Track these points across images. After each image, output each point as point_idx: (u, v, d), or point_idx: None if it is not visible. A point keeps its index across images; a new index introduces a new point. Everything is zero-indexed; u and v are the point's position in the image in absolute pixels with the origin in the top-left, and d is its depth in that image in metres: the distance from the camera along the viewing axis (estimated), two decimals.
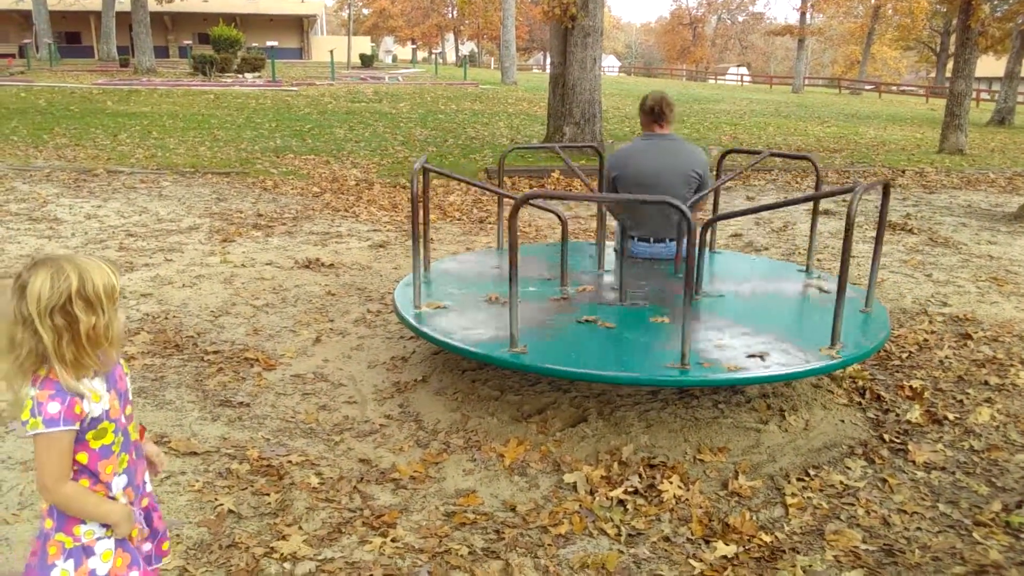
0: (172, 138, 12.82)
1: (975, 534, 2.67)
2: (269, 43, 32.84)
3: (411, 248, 4.01)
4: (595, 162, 5.84)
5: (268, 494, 2.80)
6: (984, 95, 36.02)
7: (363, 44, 52.14)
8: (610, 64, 74.08)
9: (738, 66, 71.78)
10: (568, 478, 2.96)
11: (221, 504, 2.72)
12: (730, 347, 3.27)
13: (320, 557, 2.48)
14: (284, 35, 49.97)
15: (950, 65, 16.28)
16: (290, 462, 3.05)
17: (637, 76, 63.79)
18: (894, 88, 46.74)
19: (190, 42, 40.25)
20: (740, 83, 56.30)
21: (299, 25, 51.82)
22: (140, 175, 9.44)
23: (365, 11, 66.61)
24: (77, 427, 1.55)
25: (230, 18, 40.45)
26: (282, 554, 2.47)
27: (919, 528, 2.72)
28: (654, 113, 4.34)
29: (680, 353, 3.02)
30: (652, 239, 4.41)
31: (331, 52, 33.19)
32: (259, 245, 6.38)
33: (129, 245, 6.20)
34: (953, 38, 17.33)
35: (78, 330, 1.51)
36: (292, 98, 20.85)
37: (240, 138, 13.14)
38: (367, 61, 42.99)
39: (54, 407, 1.51)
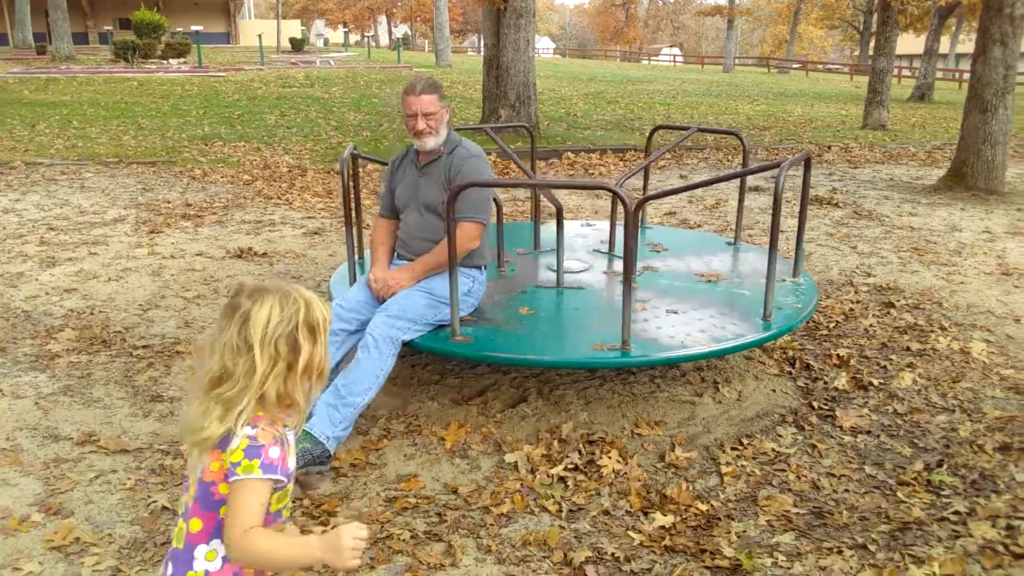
0: (94, 127, 12.35)
1: (899, 493, 2.78)
2: (194, 27, 31.79)
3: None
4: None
5: None
6: (905, 72, 37.27)
7: (293, 28, 51.08)
8: (545, 46, 74.16)
9: (670, 47, 72.66)
10: (509, 458, 2.98)
11: (155, 501, 2.66)
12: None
13: None
14: (210, 19, 48.47)
15: (873, 43, 16.76)
16: None
17: (572, 58, 63.96)
18: (820, 67, 47.96)
19: (111, 28, 38.74)
20: (673, 63, 56.99)
21: (225, 9, 50.35)
22: (60, 166, 9.07)
23: None
24: (284, 480, 1.39)
25: (152, 2, 39.07)
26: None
27: (847, 490, 2.82)
28: None
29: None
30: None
31: (259, 36, 32.41)
32: (188, 236, 6.21)
33: (50, 239, 5.96)
34: (875, 17, 17.83)
35: (296, 360, 1.40)
36: (220, 84, 20.28)
37: (166, 126, 12.74)
38: (298, 45, 42.10)
39: (275, 452, 1.37)
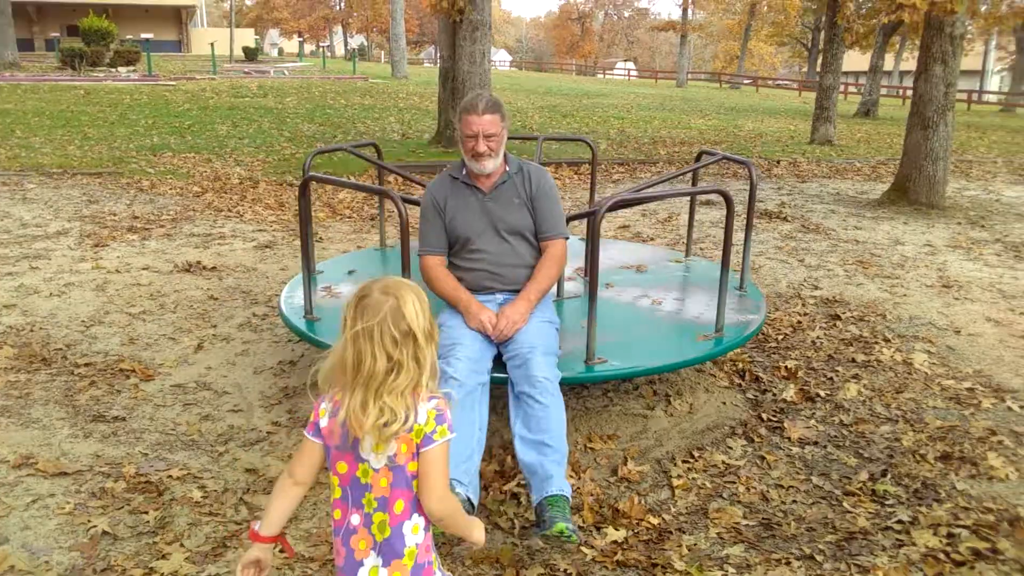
0: (38, 137, 12.02)
1: (845, 503, 2.83)
2: (144, 35, 31.19)
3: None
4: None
5: (147, 512, 2.67)
6: (852, 88, 38.30)
7: (247, 37, 50.45)
8: (501, 59, 74.50)
9: (625, 61, 73.63)
10: None
11: (95, 526, 2.58)
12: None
13: (204, 574, 2.39)
14: (161, 27, 47.63)
15: (820, 61, 17.21)
16: (171, 477, 2.92)
17: (528, 71, 64.37)
18: (770, 82, 49.05)
19: (58, 34, 37.79)
20: (627, 77, 57.75)
21: (177, 16, 49.53)
22: (1, 177, 8.80)
23: (248, 2, 64.47)
24: None
25: (101, 9, 38.21)
26: (162, 574, 2.36)
27: (795, 501, 2.87)
28: None
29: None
30: None
31: (212, 45, 31.97)
32: (135, 249, 6.07)
33: None
34: (822, 35, 18.32)
35: (435, 338, 1.58)
36: (170, 93, 19.93)
37: (113, 136, 12.46)
38: (251, 54, 41.59)
39: (451, 415, 1.56)
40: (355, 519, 1.57)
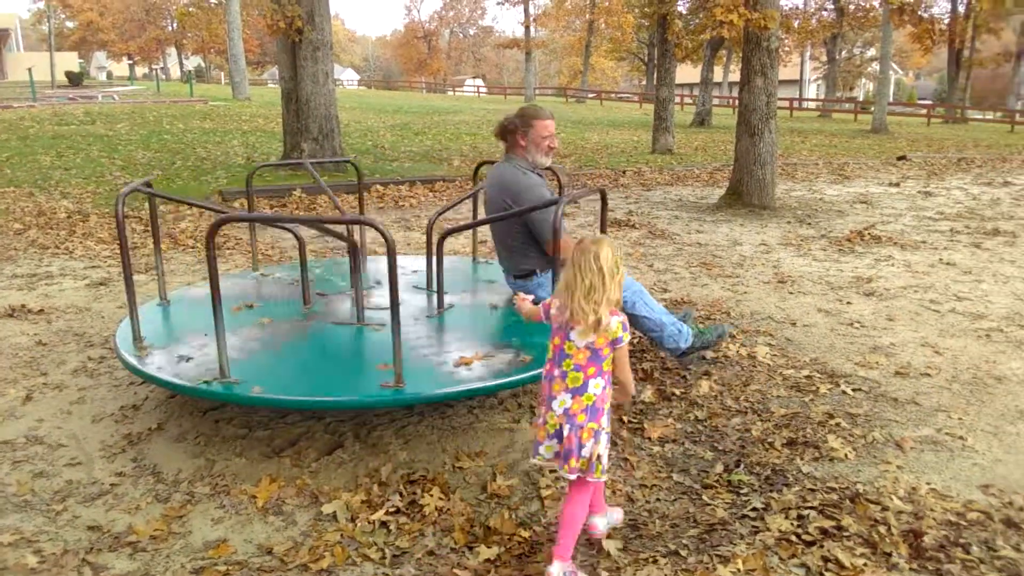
0: None
1: (704, 496, 2.96)
2: None
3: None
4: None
5: None
6: (687, 100, 40.57)
7: (70, 60, 47.07)
8: (349, 77, 73.60)
9: (474, 77, 74.57)
10: (327, 508, 2.86)
11: None
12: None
13: None
14: None
15: (656, 74, 18.11)
16: (1, 543, 2.64)
17: (378, 89, 63.88)
18: (613, 96, 51.14)
19: None
20: (477, 94, 58.50)
21: None
22: None
23: (69, 24, 60.20)
24: None
25: None
26: None
27: (658, 499, 2.96)
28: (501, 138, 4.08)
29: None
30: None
31: (30, 70, 29.61)
32: None
33: None
34: (657, 50, 19.30)
35: (618, 277, 2.37)
36: None
37: None
38: (76, 79, 38.89)
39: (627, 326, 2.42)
40: (556, 372, 2.44)
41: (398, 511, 2.85)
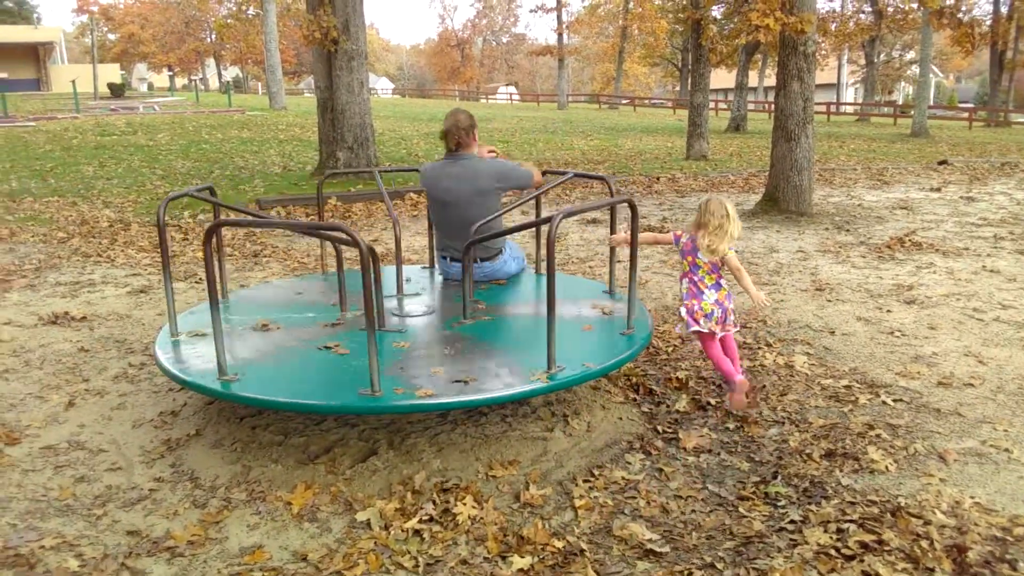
0: None
1: (740, 508, 2.91)
2: None
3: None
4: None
5: None
6: (722, 105, 40.26)
7: (112, 72, 48.20)
8: (384, 86, 74.27)
9: (507, 85, 74.82)
10: (361, 516, 2.87)
11: None
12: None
13: None
14: (17, 65, 44.94)
15: (690, 80, 18.01)
16: (43, 547, 2.69)
17: (412, 97, 64.38)
18: (647, 101, 50.94)
19: None
20: (510, 101, 58.68)
21: (34, 54, 46.84)
22: None
23: (111, 36, 61.63)
24: None
25: None
26: None
27: (693, 510, 2.92)
28: (447, 138, 4.42)
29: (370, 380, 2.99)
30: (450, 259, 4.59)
31: (73, 82, 30.39)
32: None
33: None
34: (691, 55, 19.19)
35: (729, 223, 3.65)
36: (29, 134, 18.76)
37: None
38: (117, 90, 39.79)
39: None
40: (695, 278, 3.76)
41: (431, 519, 2.85)
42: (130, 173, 12.91)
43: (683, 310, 3.78)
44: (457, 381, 3.13)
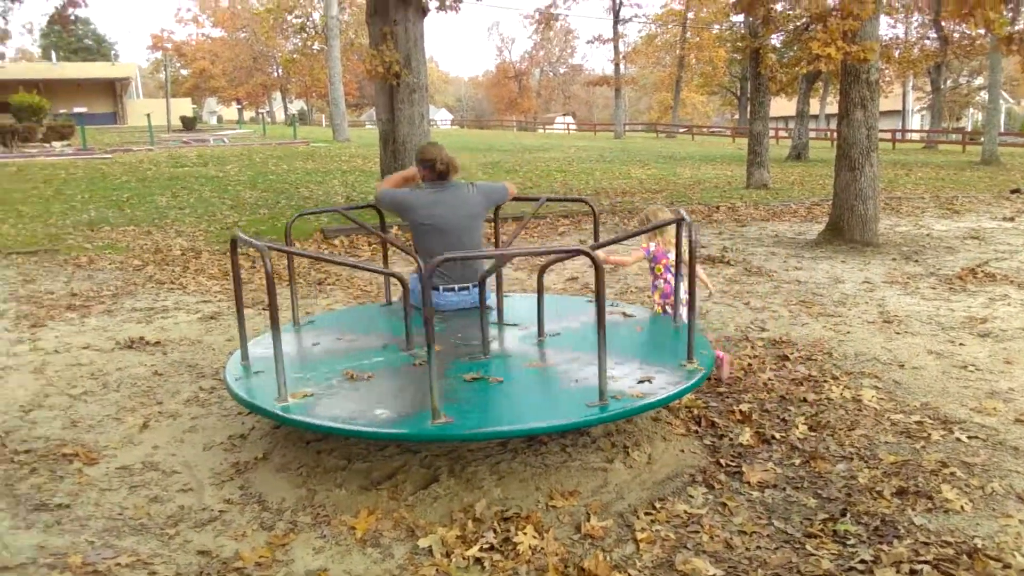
0: None
1: (807, 546, 2.85)
2: (77, 109, 30.89)
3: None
4: None
5: None
6: (783, 133, 39.77)
7: (184, 106, 50.21)
8: (442, 117, 75.53)
9: (564, 115, 75.30)
10: (423, 542, 2.90)
11: None
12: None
13: None
14: (95, 100, 47.14)
15: (749, 108, 17.87)
16: (119, 564, 2.79)
17: (470, 128, 65.30)
18: (704, 130, 50.64)
19: None
20: (567, 131, 59.00)
21: (111, 89, 49.10)
22: None
23: (184, 72, 64.29)
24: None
25: (32, 85, 37.72)
26: None
27: (758, 547, 2.87)
28: (434, 164, 4.55)
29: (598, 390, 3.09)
30: (457, 287, 4.50)
31: (148, 116, 31.71)
32: (74, 328, 5.89)
33: None
34: (750, 84, 19.07)
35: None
36: (107, 166, 19.63)
37: (48, 212, 12.18)
38: (189, 123, 41.36)
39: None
40: (664, 282, 4.59)
41: (492, 548, 2.86)
42: (201, 203, 13.39)
43: (667, 307, 4.61)
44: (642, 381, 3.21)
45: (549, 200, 5.12)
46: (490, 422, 3.12)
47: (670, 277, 4.48)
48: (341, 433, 3.30)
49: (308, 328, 4.57)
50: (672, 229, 4.27)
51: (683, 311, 4.12)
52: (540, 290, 4.13)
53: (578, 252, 3.31)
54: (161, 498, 3.32)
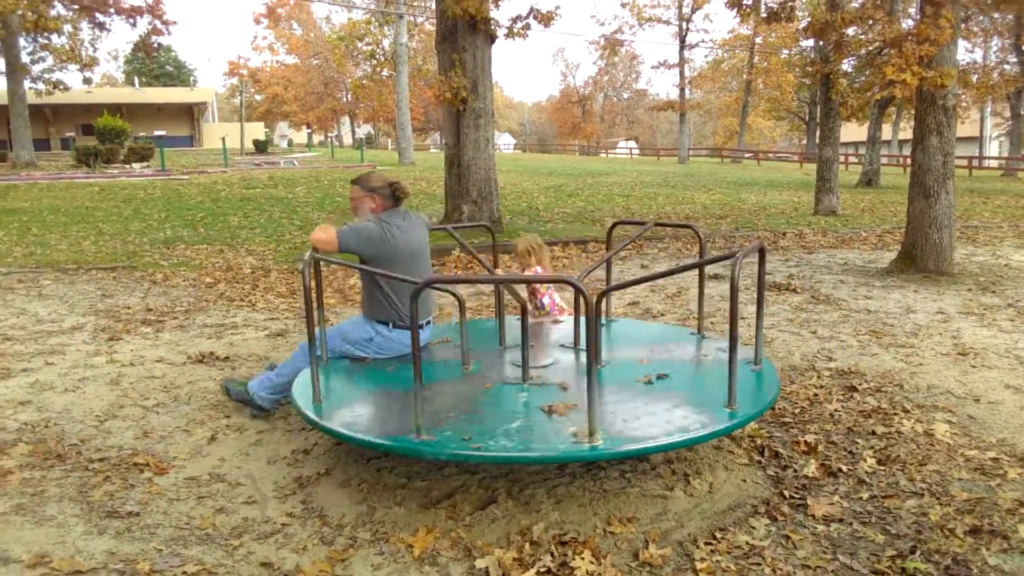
0: (53, 234, 12.28)
1: None
2: (157, 132, 32.27)
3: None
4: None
5: None
6: (852, 159, 38.89)
7: (257, 130, 51.94)
8: (506, 142, 76.29)
9: (627, 140, 75.23)
10: (480, 563, 2.90)
11: None
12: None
13: None
14: (174, 123, 49.19)
15: (818, 133, 17.54)
16: (185, 573, 2.87)
17: (533, 152, 65.74)
18: (771, 155, 49.88)
19: (73, 134, 39.10)
20: (630, 156, 58.87)
21: (189, 113, 51.20)
22: (18, 275, 8.95)
23: (258, 97, 66.57)
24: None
25: (115, 108, 39.58)
26: None
27: None
28: (395, 191, 4.33)
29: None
30: (424, 322, 4.34)
31: (223, 139, 32.88)
32: (148, 342, 6.12)
33: (5, 350, 5.83)
34: (819, 108, 18.74)
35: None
36: (183, 187, 20.41)
37: (127, 231, 12.72)
38: (261, 146, 42.74)
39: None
40: (548, 298, 5.27)
41: (549, 572, 2.84)
42: (271, 223, 13.80)
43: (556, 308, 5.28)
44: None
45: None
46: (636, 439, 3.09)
47: (551, 295, 5.30)
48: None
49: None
50: (544, 249, 5.31)
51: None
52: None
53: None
54: (226, 509, 3.41)
